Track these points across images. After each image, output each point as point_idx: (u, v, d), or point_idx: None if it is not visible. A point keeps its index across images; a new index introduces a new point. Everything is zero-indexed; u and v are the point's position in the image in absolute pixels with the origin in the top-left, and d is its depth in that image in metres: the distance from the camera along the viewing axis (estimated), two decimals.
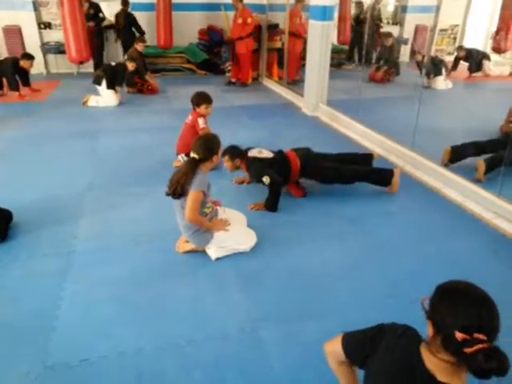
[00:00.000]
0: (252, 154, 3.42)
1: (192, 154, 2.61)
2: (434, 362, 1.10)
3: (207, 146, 2.64)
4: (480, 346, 0.98)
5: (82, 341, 2.07)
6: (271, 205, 3.29)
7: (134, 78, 6.78)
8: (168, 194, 2.60)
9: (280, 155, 3.49)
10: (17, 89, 6.35)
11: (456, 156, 3.96)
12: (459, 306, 1.06)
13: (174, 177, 2.60)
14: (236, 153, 3.42)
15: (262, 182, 3.24)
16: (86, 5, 7.28)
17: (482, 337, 0.99)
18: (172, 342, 2.07)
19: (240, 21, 7.13)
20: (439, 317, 1.09)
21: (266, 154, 3.43)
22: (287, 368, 1.94)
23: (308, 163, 3.48)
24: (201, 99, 3.97)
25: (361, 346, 1.30)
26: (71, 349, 2.02)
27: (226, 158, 3.40)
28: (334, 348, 1.40)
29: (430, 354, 1.11)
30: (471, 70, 8.08)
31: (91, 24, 7.41)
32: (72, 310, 2.26)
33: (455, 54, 8.32)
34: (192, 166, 2.58)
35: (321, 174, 3.54)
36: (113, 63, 6.37)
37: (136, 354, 1.99)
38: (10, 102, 6.30)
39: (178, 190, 2.53)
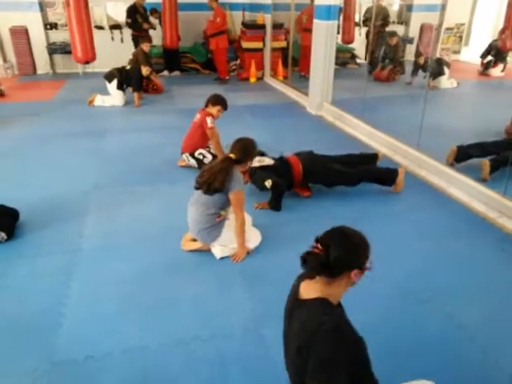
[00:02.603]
0: (253, 164, 3.41)
1: (229, 154, 2.65)
2: (305, 285, 1.44)
3: (246, 149, 2.71)
4: (310, 249, 1.36)
5: (88, 338, 2.09)
6: (275, 204, 3.30)
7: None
8: (198, 188, 2.62)
9: (281, 161, 3.47)
10: None
11: (461, 156, 3.94)
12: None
13: (206, 173, 2.61)
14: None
15: (266, 187, 3.26)
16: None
17: (316, 244, 1.36)
18: (177, 338, 2.09)
19: (211, 18, 7.38)
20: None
21: (268, 161, 3.42)
22: None
23: (311, 167, 3.46)
24: (218, 101, 3.98)
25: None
26: (77, 345, 2.04)
27: None
28: None
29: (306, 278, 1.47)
30: (489, 66, 7.90)
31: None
32: (78, 308, 2.29)
33: (494, 39, 7.75)
34: (229, 165, 2.61)
35: (325, 178, 3.53)
36: (128, 66, 6.37)
37: (141, 351, 2.01)
38: (16, 102, 6.35)
39: (214, 186, 2.52)
